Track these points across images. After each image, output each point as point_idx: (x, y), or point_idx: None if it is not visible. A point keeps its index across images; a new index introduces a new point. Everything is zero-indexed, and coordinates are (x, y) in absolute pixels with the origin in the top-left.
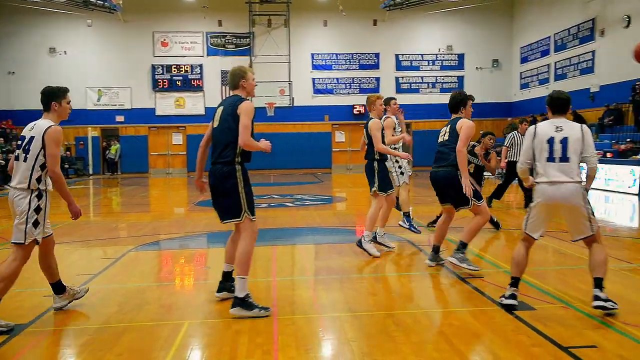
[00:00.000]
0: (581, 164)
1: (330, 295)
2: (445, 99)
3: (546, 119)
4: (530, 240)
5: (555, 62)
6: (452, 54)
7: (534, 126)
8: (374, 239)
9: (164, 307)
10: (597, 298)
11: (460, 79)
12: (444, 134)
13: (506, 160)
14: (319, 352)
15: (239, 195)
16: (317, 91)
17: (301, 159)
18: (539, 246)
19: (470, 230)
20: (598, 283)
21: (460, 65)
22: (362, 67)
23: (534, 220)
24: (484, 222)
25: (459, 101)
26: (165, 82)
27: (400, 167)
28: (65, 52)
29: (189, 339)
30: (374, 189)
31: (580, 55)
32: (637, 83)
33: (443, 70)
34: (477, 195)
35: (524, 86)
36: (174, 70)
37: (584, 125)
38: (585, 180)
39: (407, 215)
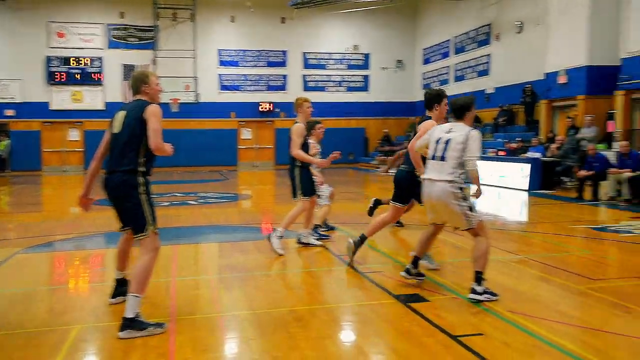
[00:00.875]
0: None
1: (231, 294)
2: (351, 97)
3: (447, 120)
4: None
5: (455, 64)
6: (358, 54)
7: (435, 125)
8: (298, 240)
9: (53, 312)
10: (472, 291)
11: (366, 78)
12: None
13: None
14: (216, 351)
15: (142, 208)
16: (223, 87)
17: (206, 156)
18: (437, 240)
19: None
20: (475, 276)
21: (366, 64)
22: (270, 64)
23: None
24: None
25: (433, 97)
26: (62, 75)
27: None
28: None
29: (78, 345)
30: (298, 194)
31: (478, 58)
32: (527, 86)
33: (350, 69)
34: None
35: (426, 86)
36: (72, 63)
37: (472, 130)
38: (454, 180)
39: (317, 227)
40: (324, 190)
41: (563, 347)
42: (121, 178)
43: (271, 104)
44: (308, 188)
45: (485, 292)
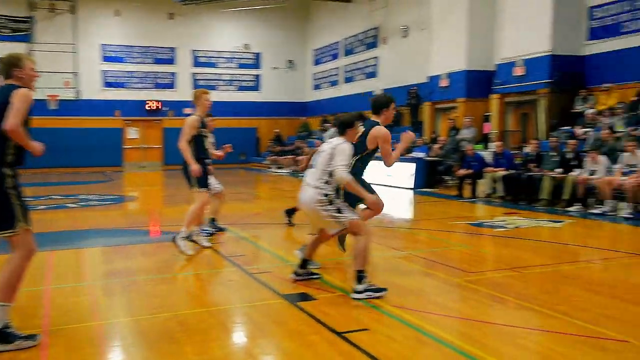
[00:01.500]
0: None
1: (112, 301)
2: (242, 97)
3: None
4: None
5: (345, 66)
6: (249, 53)
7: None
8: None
9: None
10: (354, 291)
11: (258, 77)
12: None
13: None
14: None
15: (10, 202)
16: (107, 84)
17: (89, 156)
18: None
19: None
20: (355, 275)
21: (257, 64)
22: (158, 61)
23: None
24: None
25: (383, 102)
26: None
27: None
28: None
29: None
30: (192, 187)
31: (366, 60)
32: (413, 88)
33: (241, 68)
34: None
35: (316, 87)
36: None
37: (343, 143)
38: (320, 186)
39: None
40: (215, 185)
41: (443, 339)
42: None
43: (159, 103)
44: (201, 180)
45: (366, 290)
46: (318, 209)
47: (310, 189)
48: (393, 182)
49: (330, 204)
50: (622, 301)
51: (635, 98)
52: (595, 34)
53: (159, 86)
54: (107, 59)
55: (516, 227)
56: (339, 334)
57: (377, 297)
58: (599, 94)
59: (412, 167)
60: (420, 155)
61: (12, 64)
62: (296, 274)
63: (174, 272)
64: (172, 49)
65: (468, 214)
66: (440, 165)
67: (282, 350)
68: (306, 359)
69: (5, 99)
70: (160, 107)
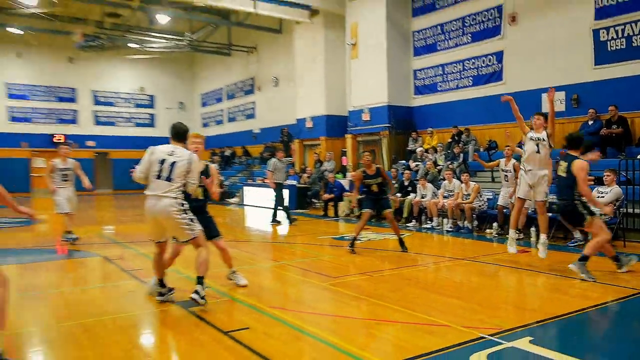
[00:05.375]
0: None
1: (18, 313)
2: (140, 132)
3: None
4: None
5: (228, 108)
6: (144, 94)
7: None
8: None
9: None
10: (195, 292)
11: (152, 116)
12: None
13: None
14: None
15: None
16: (13, 119)
17: None
18: (215, 251)
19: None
20: (197, 280)
21: (152, 104)
22: (61, 99)
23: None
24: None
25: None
26: None
27: None
28: None
29: None
30: None
31: (245, 104)
32: (284, 128)
33: (137, 107)
34: None
35: (205, 125)
36: None
37: (192, 154)
38: (177, 196)
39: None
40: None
41: (312, 333)
42: None
43: (63, 136)
44: None
45: (201, 295)
46: (176, 217)
47: (166, 198)
48: (271, 205)
49: (185, 213)
50: (445, 296)
51: (451, 140)
52: (420, 90)
53: (62, 121)
54: (12, 96)
55: (368, 240)
56: (225, 332)
57: (201, 304)
58: (425, 136)
59: (286, 192)
60: (293, 182)
61: None
62: (160, 294)
63: (81, 286)
64: (72, 89)
65: (332, 230)
66: (309, 190)
67: (176, 349)
68: (196, 355)
69: None
70: (65, 140)
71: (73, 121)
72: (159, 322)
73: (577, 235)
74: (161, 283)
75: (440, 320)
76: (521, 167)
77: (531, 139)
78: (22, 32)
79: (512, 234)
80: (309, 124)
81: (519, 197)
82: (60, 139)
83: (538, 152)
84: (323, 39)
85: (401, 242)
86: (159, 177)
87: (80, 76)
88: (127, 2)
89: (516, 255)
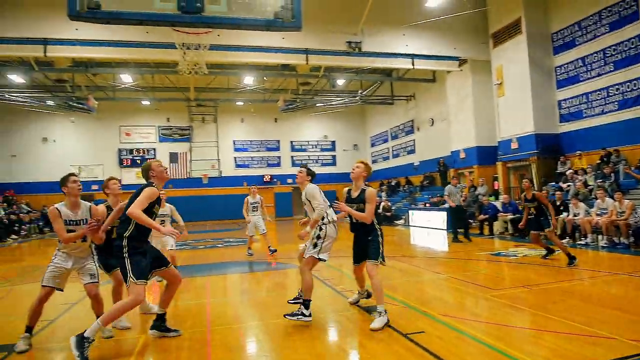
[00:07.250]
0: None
1: (246, 310)
2: (325, 170)
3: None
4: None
5: (392, 147)
6: (327, 140)
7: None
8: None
9: None
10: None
11: (334, 157)
12: None
13: (454, 205)
14: None
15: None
16: (238, 166)
17: (227, 212)
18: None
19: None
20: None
21: (332, 148)
22: (268, 149)
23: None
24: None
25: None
26: (128, 160)
27: None
28: (54, 140)
29: None
30: None
31: (407, 142)
32: (441, 160)
33: (322, 151)
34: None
35: (374, 161)
36: (135, 153)
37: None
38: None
39: None
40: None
41: (480, 339)
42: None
43: (270, 176)
44: None
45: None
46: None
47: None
48: (432, 225)
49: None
50: (607, 308)
51: (599, 161)
52: (565, 118)
53: (270, 165)
54: (237, 149)
55: (524, 256)
56: (404, 334)
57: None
58: (574, 159)
59: (444, 215)
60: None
61: (146, 169)
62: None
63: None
64: (277, 141)
65: (488, 247)
66: (466, 212)
67: (365, 346)
68: (379, 352)
69: (137, 194)
70: (271, 179)
71: (277, 164)
72: (350, 322)
73: None
74: (368, 294)
75: (603, 332)
76: None
77: None
78: (243, 103)
79: None
80: (462, 155)
81: None
82: (268, 179)
83: None
84: (471, 81)
85: (568, 255)
86: None
87: (282, 131)
88: (315, 73)
89: None
